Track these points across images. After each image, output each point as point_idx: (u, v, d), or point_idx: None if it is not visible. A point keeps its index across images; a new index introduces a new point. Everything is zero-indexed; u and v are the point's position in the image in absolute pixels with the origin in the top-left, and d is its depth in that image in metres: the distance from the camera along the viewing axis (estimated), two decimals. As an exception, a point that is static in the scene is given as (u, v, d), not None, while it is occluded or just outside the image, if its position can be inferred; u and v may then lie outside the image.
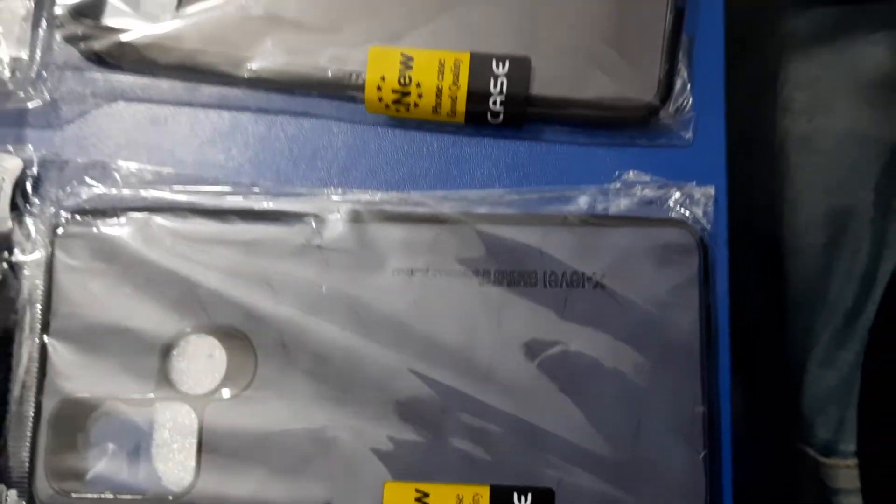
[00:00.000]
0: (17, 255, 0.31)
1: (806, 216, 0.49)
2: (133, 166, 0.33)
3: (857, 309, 0.46)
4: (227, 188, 0.32)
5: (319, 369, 0.30)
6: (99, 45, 0.32)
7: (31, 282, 0.31)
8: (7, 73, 0.32)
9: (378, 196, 0.32)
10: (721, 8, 0.34)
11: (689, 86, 0.33)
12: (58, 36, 0.33)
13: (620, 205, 0.32)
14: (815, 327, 0.48)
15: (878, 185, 0.47)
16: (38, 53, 0.33)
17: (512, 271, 0.31)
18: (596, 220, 0.31)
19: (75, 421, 0.30)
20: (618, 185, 0.33)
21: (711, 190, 0.32)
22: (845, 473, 0.42)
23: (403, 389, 0.30)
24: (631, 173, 0.33)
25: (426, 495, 0.30)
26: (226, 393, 0.30)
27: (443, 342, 0.30)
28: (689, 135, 0.33)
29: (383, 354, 0.30)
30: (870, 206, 0.46)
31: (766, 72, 0.51)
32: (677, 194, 0.32)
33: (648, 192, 0.33)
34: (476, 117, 0.32)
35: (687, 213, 0.32)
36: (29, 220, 0.31)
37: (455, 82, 0.31)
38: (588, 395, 0.30)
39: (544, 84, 0.32)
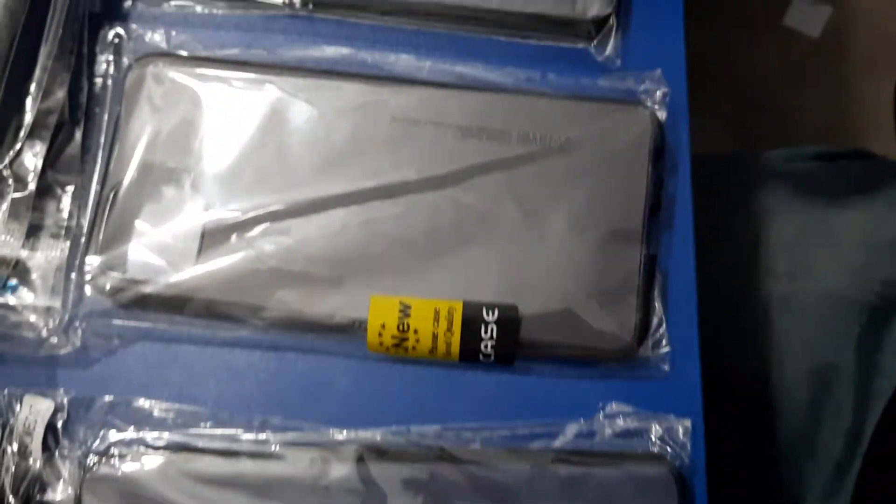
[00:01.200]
0: (49, 495, 0.34)
1: (791, 374, 0.51)
2: (154, 405, 0.35)
3: (846, 463, 0.47)
4: (240, 429, 0.35)
5: None
6: (126, 296, 0.35)
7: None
8: (41, 323, 0.35)
9: (379, 435, 0.35)
10: (691, 243, 0.38)
11: (664, 322, 0.36)
12: (88, 289, 0.36)
13: (605, 435, 0.35)
14: (805, 481, 0.49)
15: (859, 344, 0.49)
16: (70, 302, 0.36)
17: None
18: (580, 457, 0.34)
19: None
20: (601, 416, 0.35)
21: (688, 423, 0.35)
22: None
23: None
24: (613, 405, 0.35)
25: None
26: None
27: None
28: (666, 367, 0.36)
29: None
30: (852, 365, 0.48)
31: (749, 235, 0.54)
32: (656, 427, 0.35)
33: (630, 424, 0.35)
34: (469, 357, 0.35)
35: (667, 448, 0.34)
36: (59, 461, 0.34)
37: (449, 329, 0.34)
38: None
39: (530, 328, 0.35)
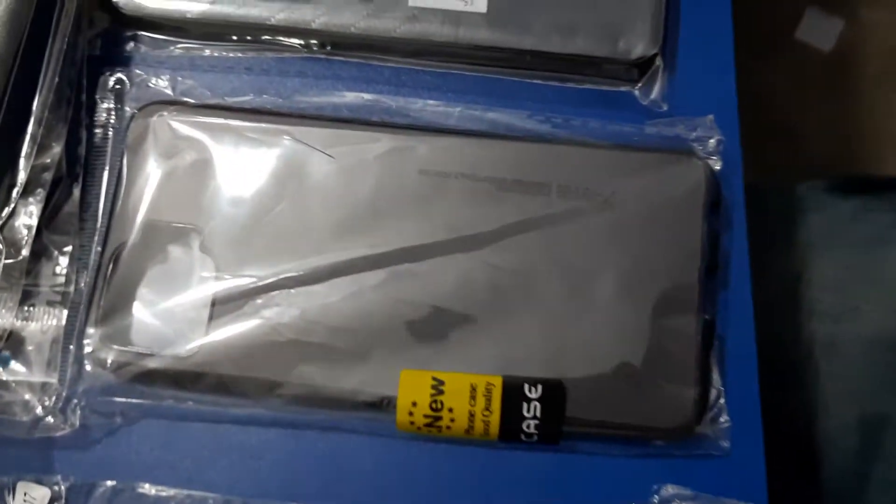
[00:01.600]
0: None
1: (837, 422, 0.48)
2: (161, 490, 0.32)
3: None
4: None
5: None
6: (129, 370, 0.32)
7: None
8: (36, 401, 0.32)
9: (412, 526, 0.31)
10: (750, 305, 0.34)
11: (722, 394, 0.33)
12: (87, 363, 0.32)
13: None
14: None
15: None
16: (68, 378, 0.32)
17: None
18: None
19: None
20: (656, 500, 0.32)
21: (755, 510, 0.32)
22: None
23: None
24: (669, 487, 0.32)
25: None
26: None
27: None
28: (726, 444, 0.32)
29: None
30: None
31: (792, 272, 0.51)
32: (719, 514, 0.32)
33: (689, 510, 0.32)
34: (510, 437, 0.31)
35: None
36: (57, 554, 0.31)
37: (488, 407, 0.31)
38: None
39: (577, 405, 0.32)
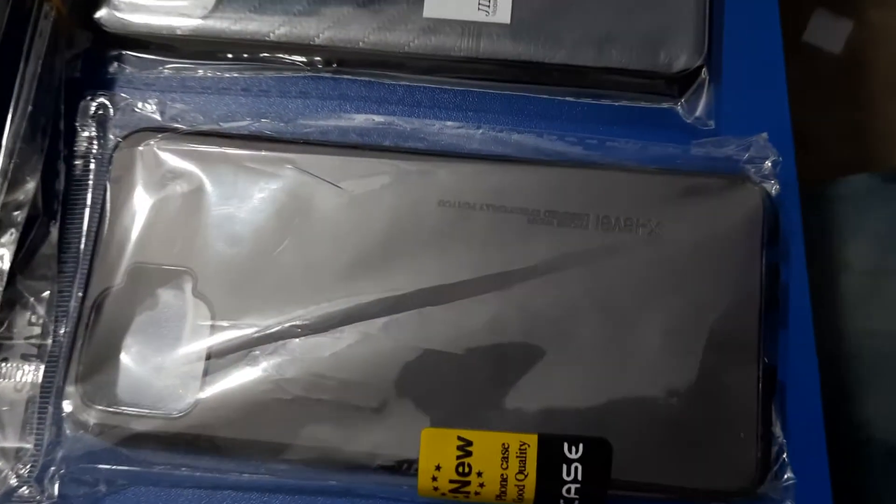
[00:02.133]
0: None
1: None
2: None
3: None
4: None
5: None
6: (114, 434, 0.29)
7: None
8: (9, 469, 0.28)
9: None
10: (812, 346, 0.31)
11: (785, 449, 0.29)
12: (67, 425, 0.29)
13: None
14: None
15: None
16: (45, 442, 0.29)
17: None
18: None
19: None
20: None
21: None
22: None
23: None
24: (730, 560, 0.28)
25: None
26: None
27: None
28: (791, 504, 0.29)
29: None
30: None
31: (840, 285, 0.47)
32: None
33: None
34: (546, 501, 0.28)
35: None
36: None
37: (522, 470, 0.27)
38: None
39: (624, 466, 0.28)
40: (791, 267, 0.31)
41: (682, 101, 0.32)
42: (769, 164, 0.31)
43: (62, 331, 0.30)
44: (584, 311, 0.29)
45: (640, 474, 0.28)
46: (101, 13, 0.32)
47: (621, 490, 0.28)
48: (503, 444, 0.28)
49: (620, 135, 0.32)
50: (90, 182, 0.31)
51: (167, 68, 0.33)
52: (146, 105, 0.32)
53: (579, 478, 0.27)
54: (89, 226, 0.31)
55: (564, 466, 0.28)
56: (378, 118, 0.32)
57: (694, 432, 0.28)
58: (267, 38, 0.32)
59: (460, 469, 0.28)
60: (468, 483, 0.28)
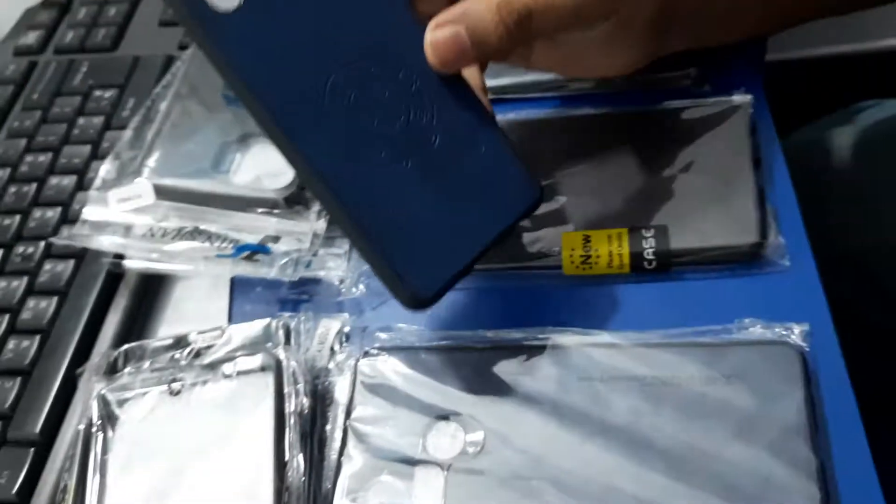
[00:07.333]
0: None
1: None
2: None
3: None
4: None
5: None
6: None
7: None
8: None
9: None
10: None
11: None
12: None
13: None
14: None
15: None
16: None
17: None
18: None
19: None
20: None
21: None
22: None
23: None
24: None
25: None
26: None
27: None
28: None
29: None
30: None
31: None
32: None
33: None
34: (636, 268, 0.47)
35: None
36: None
37: (619, 247, 0.49)
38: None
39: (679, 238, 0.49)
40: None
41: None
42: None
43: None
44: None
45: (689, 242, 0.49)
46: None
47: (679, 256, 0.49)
48: (608, 236, 0.49)
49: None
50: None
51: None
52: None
53: (654, 248, 0.48)
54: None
55: (643, 241, 0.48)
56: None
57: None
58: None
59: (584, 251, 0.48)
60: (590, 257, 0.47)
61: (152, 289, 0.54)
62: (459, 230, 0.43)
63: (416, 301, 0.42)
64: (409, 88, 0.43)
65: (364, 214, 0.41)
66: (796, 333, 0.43)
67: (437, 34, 0.42)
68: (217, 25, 0.39)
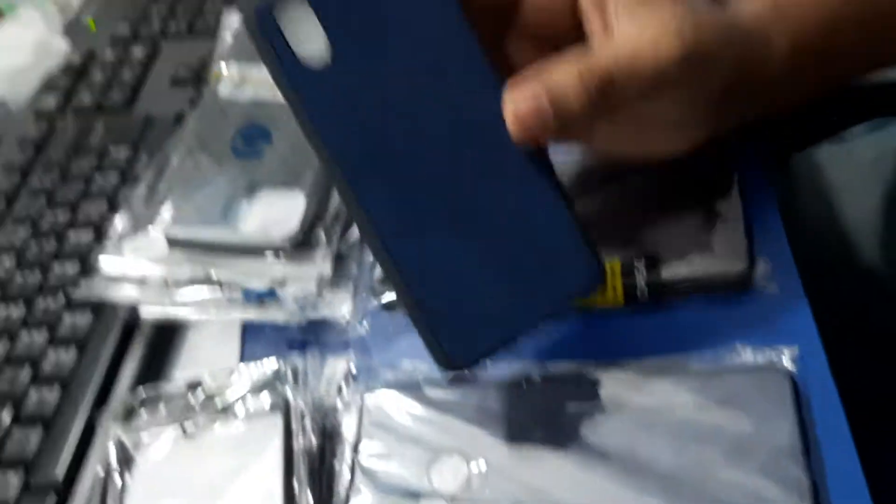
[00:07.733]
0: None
1: None
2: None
3: None
4: None
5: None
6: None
7: None
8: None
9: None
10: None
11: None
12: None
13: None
14: None
15: None
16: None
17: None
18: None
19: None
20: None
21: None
22: None
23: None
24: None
25: None
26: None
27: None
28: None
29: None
30: None
31: None
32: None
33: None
34: (630, 299, 0.49)
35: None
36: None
37: (612, 279, 0.50)
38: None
39: (670, 269, 0.51)
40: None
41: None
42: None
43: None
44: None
45: (677, 272, 0.51)
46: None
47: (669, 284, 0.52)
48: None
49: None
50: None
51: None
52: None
53: (644, 276, 0.50)
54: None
55: (636, 272, 0.50)
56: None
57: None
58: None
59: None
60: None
61: (166, 335, 0.57)
62: (510, 306, 0.43)
63: (450, 365, 0.42)
64: (486, 161, 0.41)
65: (418, 282, 0.41)
66: (786, 356, 0.44)
67: (521, 106, 0.40)
68: (306, 82, 0.40)
